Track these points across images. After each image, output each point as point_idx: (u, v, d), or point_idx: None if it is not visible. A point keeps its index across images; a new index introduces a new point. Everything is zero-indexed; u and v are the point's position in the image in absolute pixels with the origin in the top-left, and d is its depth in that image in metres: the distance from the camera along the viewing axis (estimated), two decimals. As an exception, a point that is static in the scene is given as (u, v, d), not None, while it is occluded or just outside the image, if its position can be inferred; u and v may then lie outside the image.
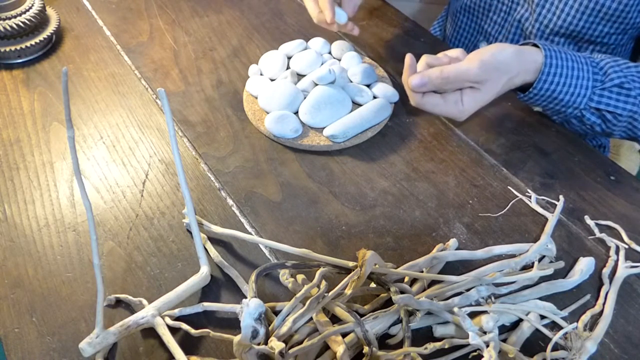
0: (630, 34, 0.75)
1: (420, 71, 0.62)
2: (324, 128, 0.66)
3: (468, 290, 0.49)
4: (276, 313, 0.48)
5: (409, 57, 0.62)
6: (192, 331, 0.47)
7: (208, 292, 0.52)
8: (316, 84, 0.69)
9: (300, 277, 0.51)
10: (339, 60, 0.75)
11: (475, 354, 0.46)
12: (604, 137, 0.68)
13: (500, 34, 0.85)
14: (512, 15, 0.80)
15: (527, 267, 0.53)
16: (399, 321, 0.48)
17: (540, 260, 0.54)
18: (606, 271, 0.54)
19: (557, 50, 0.62)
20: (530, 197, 0.60)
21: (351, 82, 0.71)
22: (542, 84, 0.62)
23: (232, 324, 0.50)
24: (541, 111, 0.66)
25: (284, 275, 0.52)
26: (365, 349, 0.45)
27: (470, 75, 0.59)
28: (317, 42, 0.77)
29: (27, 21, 0.74)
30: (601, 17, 0.71)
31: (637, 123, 0.64)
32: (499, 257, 0.54)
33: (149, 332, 0.49)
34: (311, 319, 0.47)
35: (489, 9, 0.82)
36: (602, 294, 0.52)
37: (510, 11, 0.80)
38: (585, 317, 0.50)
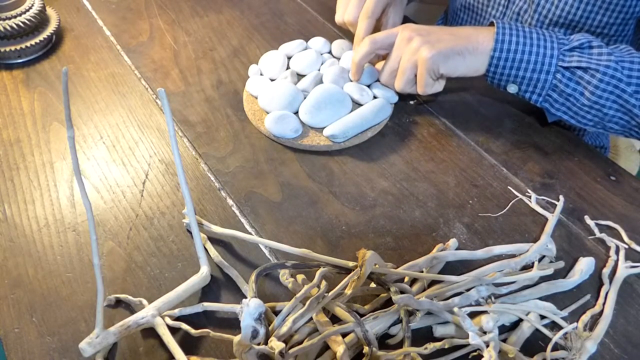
0: (631, 24, 0.74)
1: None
2: (324, 128, 0.66)
3: (468, 290, 0.49)
4: (276, 313, 0.48)
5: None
6: (192, 331, 0.47)
7: (208, 292, 0.52)
8: (316, 84, 0.69)
9: (300, 277, 0.51)
10: (339, 59, 0.75)
11: (475, 354, 0.46)
12: (599, 124, 0.65)
13: None
14: (511, 9, 0.80)
15: (527, 267, 0.53)
16: (399, 321, 0.48)
17: (540, 260, 0.54)
18: (606, 271, 0.54)
19: (511, 22, 0.63)
20: (530, 197, 0.60)
21: (351, 82, 0.71)
22: (500, 44, 0.61)
23: (232, 324, 0.50)
24: (517, 93, 0.65)
25: (284, 275, 0.52)
26: (365, 349, 0.45)
27: (394, 31, 0.65)
28: (317, 42, 0.77)
29: (27, 21, 0.74)
30: (599, 6, 0.70)
31: (623, 84, 0.59)
32: (499, 257, 0.54)
33: (149, 332, 0.49)
34: (311, 319, 0.47)
35: (488, 3, 0.82)
36: (602, 294, 0.52)
37: (508, 4, 0.80)
38: (585, 317, 0.50)
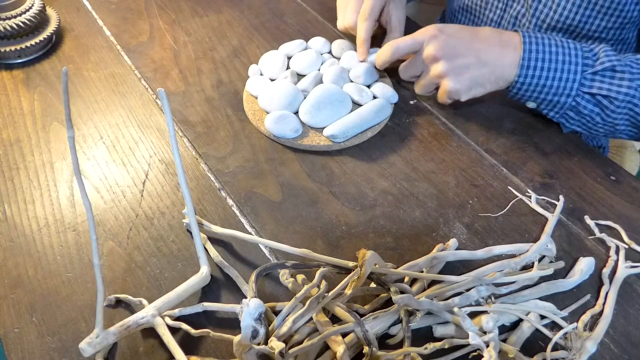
0: (628, 29, 0.75)
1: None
2: (324, 128, 0.66)
3: (468, 290, 0.49)
4: (276, 313, 0.48)
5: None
6: (192, 331, 0.47)
7: (208, 292, 0.52)
8: (316, 84, 0.69)
9: (300, 277, 0.51)
10: (339, 59, 0.75)
11: (475, 354, 0.46)
12: (609, 134, 0.66)
13: None
14: (508, 12, 0.80)
15: (527, 267, 0.53)
16: (399, 321, 0.48)
17: (540, 260, 0.54)
18: (606, 271, 0.54)
19: (538, 36, 0.62)
20: (530, 197, 0.60)
21: (351, 81, 0.71)
22: (525, 70, 0.61)
23: (232, 324, 0.50)
24: (536, 107, 0.66)
25: (284, 275, 0.52)
26: (365, 349, 0.45)
27: (418, 39, 0.65)
28: (317, 42, 0.77)
29: (27, 21, 0.74)
30: (597, 11, 0.70)
31: (638, 109, 0.61)
32: (499, 257, 0.54)
33: (149, 332, 0.49)
34: (311, 319, 0.47)
35: (485, 6, 0.83)
36: (602, 294, 0.52)
37: (506, 8, 0.80)
38: (585, 317, 0.50)
